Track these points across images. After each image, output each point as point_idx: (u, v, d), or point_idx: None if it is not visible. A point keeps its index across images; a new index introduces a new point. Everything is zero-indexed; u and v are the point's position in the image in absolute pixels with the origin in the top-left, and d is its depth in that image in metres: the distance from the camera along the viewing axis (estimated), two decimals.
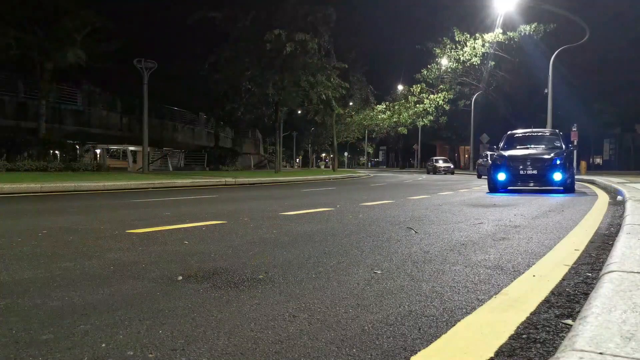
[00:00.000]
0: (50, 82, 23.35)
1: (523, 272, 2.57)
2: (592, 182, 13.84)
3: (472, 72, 38.22)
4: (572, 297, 2.06)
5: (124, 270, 2.64)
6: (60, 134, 24.75)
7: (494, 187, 10.29)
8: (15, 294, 2.15)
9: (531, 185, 10.29)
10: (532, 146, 11.12)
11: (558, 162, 9.74)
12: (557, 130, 11.82)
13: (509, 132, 12.04)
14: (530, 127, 16.71)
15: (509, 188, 10.44)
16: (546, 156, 9.96)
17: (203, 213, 5.86)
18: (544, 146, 11.07)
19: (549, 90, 24.85)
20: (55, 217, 5.49)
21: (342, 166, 74.01)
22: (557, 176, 9.62)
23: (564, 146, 10.85)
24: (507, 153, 10.43)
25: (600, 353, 1.16)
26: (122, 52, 24.79)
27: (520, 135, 12.03)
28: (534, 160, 9.93)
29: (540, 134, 12.15)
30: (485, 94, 39.31)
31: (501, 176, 10.09)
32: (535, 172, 9.74)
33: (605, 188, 11.09)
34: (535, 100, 35.01)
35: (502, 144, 11.50)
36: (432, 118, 41.94)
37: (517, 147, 11.07)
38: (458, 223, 4.80)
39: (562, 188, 9.82)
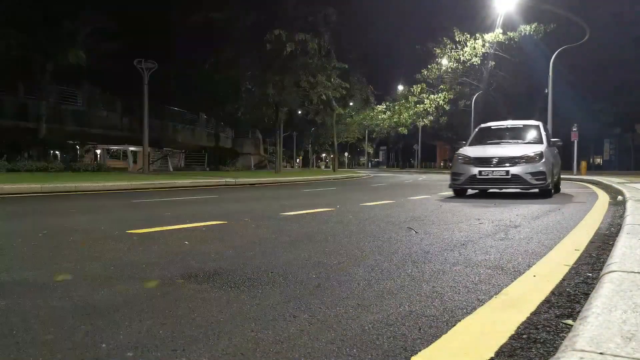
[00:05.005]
0: (51, 83, 23.39)
1: (523, 272, 2.57)
2: (593, 182, 13.84)
3: (472, 72, 38.24)
4: (572, 297, 2.06)
5: (124, 270, 2.64)
6: (60, 135, 24.78)
7: (455, 192, 9.22)
8: (16, 294, 2.15)
9: (500, 189, 8.97)
10: (505, 142, 9.69)
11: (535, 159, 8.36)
12: (538, 123, 10.13)
13: (480, 126, 10.72)
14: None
15: (466, 189, 9.15)
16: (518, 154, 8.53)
17: (203, 213, 5.86)
18: (520, 141, 9.58)
19: (549, 90, 24.87)
20: (55, 218, 5.49)
21: (343, 166, 74.01)
22: (532, 176, 8.25)
23: (545, 141, 9.27)
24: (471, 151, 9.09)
25: (601, 353, 1.16)
26: (123, 52, 24.84)
27: (494, 128, 10.57)
28: (503, 159, 8.48)
29: (517, 126, 10.42)
30: (486, 94, 39.34)
31: (460, 178, 8.78)
32: (502, 174, 8.33)
33: (605, 188, 11.09)
34: (535, 100, 35.03)
35: (470, 140, 10.17)
36: (432, 118, 41.96)
37: (488, 142, 9.70)
38: (458, 223, 4.79)
39: (537, 191, 8.55)
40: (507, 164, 8.34)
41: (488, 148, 9.15)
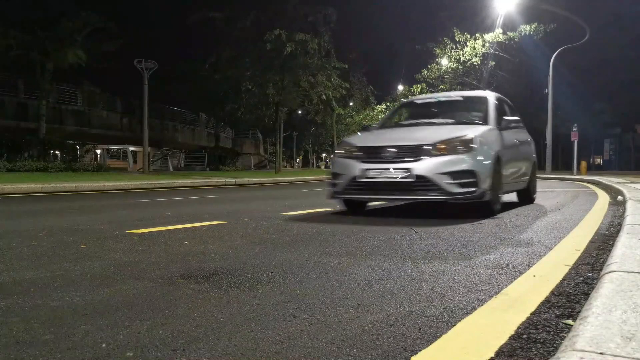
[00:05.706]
0: (51, 83, 23.41)
1: (523, 272, 2.57)
2: (593, 182, 13.85)
3: (472, 72, 38.23)
4: (572, 297, 2.06)
5: (124, 270, 2.65)
6: (60, 134, 24.79)
7: (346, 204, 5.89)
8: (16, 294, 2.15)
9: (391, 198, 5.65)
10: (427, 122, 6.23)
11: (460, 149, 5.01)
12: (486, 94, 6.66)
13: (401, 101, 7.18)
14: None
15: (352, 200, 5.72)
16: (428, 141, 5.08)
17: (203, 213, 5.86)
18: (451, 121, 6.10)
19: (549, 90, 24.89)
20: (55, 218, 5.49)
21: None
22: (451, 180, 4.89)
23: (492, 121, 5.84)
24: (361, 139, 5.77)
25: (601, 353, 1.16)
26: (123, 52, 24.90)
27: (420, 103, 7.51)
28: (404, 149, 5.09)
29: (454, 99, 7.27)
30: None
31: (339, 181, 5.42)
32: (400, 174, 4.97)
33: (605, 188, 11.09)
34: (535, 100, 35.05)
35: (381, 121, 7.23)
36: None
37: (402, 124, 6.61)
38: (458, 223, 4.79)
39: (461, 201, 5.07)
40: (411, 158, 4.98)
41: (390, 132, 6.02)
